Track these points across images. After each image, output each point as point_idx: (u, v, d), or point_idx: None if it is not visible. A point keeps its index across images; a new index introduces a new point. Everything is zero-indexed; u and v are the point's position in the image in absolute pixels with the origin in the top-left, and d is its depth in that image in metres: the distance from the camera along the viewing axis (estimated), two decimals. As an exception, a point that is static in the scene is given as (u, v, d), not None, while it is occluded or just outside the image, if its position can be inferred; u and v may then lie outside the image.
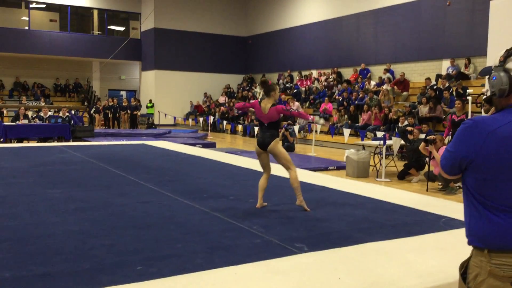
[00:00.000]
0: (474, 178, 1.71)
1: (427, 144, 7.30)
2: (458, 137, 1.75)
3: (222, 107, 22.17)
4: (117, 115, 20.95)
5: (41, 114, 14.48)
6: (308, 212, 4.97)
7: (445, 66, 15.09)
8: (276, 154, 5.05)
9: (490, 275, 1.66)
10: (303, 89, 19.95)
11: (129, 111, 21.17)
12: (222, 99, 23.74)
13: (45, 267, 3.24)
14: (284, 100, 18.95)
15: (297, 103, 18.18)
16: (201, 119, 20.46)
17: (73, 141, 13.62)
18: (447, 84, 13.76)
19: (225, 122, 20.28)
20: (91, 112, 20.97)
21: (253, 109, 5.23)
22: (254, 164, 8.66)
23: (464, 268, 1.80)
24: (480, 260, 1.70)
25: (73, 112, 16.67)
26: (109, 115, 20.70)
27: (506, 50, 1.74)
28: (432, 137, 6.72)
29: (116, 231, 4.15)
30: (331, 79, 19.03)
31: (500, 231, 1.65)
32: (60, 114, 14.59)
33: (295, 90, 20.08)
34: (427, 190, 7.50)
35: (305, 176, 7.39)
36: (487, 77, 1.83)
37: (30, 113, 15.38)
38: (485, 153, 1.66)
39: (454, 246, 3.80)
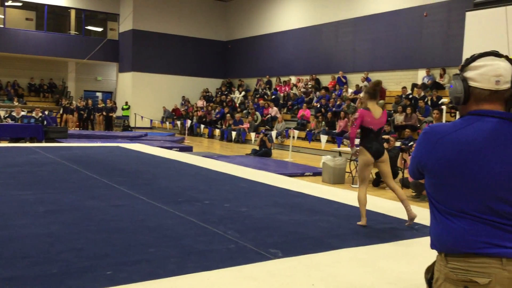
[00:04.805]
0: (429, 183, 1.75)
1: (403, 152, 7.39)
2: (417, 142, 1.82)
3: (199, 111, 22.07)
4: (91, 116, 20.65)
5: (14, 114, 14.16)
6: (283, 218, 4.95)
7: (421, 75, 15.35)
8: (386, 160, 4.83)
9: (447, 279, 1.68)
10: (282, 95, 20.02)
11: (104, 113, 20.89)
12: (200, 103, 23.63)
13: (11, 271, 3.14)
14: (262, 105, 18.99)
15: (275, 109, 18.23)
16: (178, 123, 20.32)
17: (45, 142, 13.34)
18: (422, 93, 13.98)
19: (202, 126, 20.20)
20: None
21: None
22: (230, 168, 8.62)
23: (431, 273, 1.82)
24: (440, 264, 1.73)
25: (46, 112, 16.35)
26: (84, 116, 20.38)
27: (466, 59, 1.77)
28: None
29: (86, 235, 4.05)
30: (310, 86, 19.15)
31: (452, 235, 1.68)
32: (33, 114, 14.30)
33: (273, 96, 20.14)
34: (401, 198, 7.56)
35: (281, 181, 7.38)
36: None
37: (2, 113, 15.03)
38: (435, 158, 1.69)
39: (426, 253, 3.82)
